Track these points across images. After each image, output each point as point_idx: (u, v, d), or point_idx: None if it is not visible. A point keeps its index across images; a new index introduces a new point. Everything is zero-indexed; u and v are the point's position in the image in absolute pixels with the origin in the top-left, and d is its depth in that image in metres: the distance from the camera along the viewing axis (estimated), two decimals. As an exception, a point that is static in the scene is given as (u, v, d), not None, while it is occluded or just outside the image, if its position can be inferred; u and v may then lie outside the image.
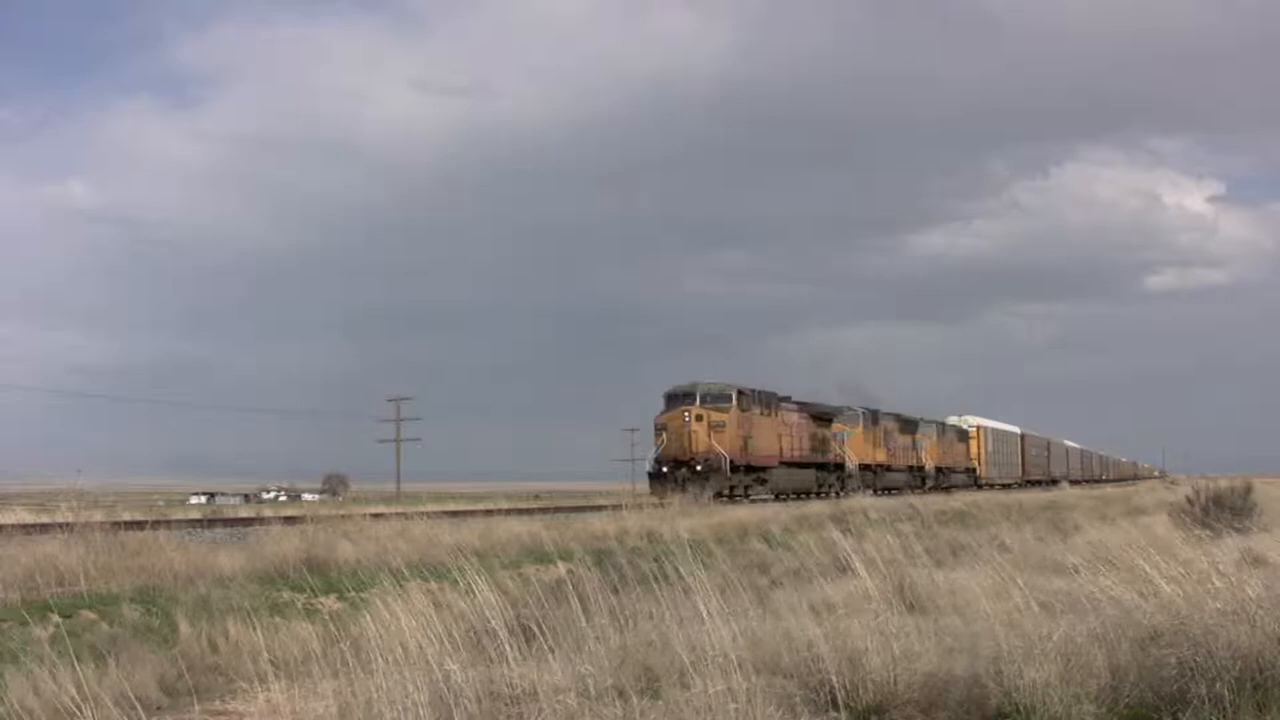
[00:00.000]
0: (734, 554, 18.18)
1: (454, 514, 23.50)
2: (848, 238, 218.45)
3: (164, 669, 9.20)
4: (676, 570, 9.16)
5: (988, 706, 7.18)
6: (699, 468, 34.76)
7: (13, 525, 17.55)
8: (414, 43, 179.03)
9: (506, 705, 6.45)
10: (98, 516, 15.77)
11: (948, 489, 57.42)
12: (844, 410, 49.30)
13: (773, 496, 39.05)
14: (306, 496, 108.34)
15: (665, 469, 35.40)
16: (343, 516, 17.44)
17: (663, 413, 36.97)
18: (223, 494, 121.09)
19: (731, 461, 35.75)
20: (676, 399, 36.77)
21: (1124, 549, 10.60)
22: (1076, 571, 10.50)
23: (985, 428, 74.56)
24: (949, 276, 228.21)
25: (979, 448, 71.36)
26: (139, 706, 6.36)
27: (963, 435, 69.29)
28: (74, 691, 6.57)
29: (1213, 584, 8.04)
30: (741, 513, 27.38)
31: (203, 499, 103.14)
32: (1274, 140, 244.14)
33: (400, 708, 6.14)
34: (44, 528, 15.66)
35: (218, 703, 8.71)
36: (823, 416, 46.63)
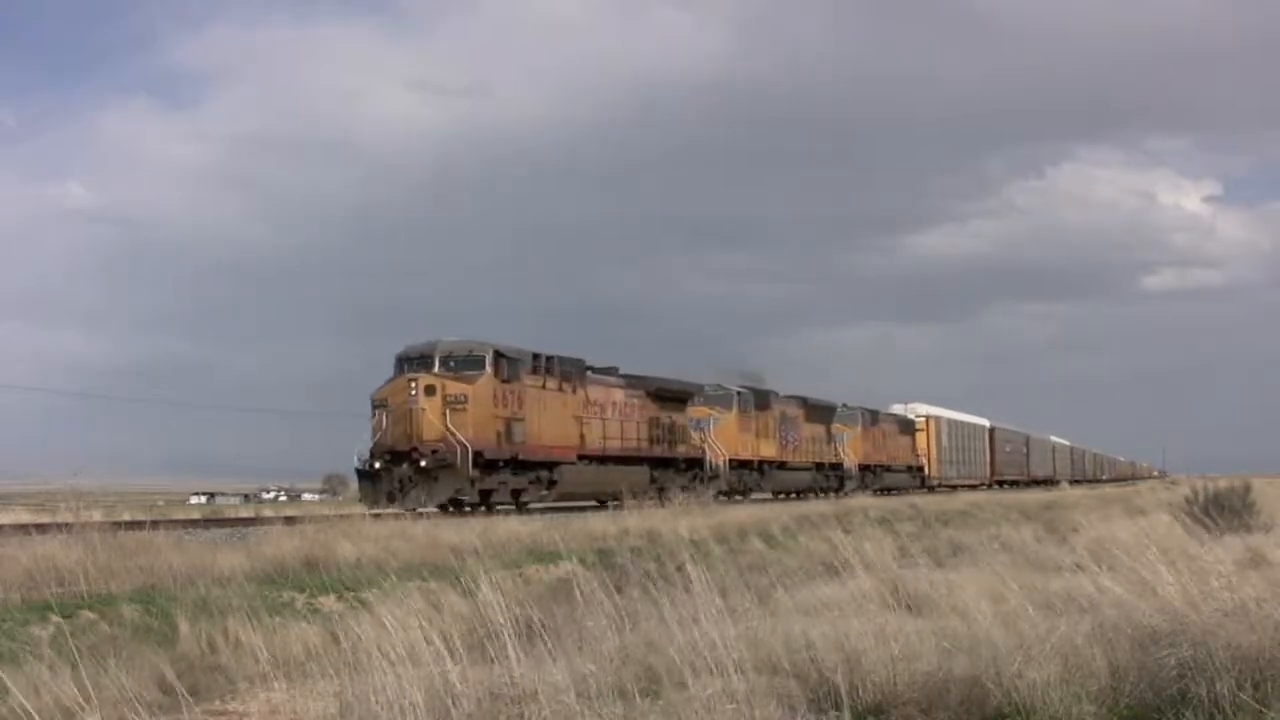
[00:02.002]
0: (734, 554, 18.19)
1: (453, 513, 23.47)
2: (846, 238, 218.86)
3: (163, 669, 9.18)
4: (676, 570, 9.17)
5: (987, 706, 7.18)
6: (424, 463, 24.17)
7: (12, 525, 17.54)
8: (411, 43, 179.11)
9: (506, 705, 6.44)
10: (97, 516, 15.77)
11: (883, 490, 49.31)
12: (709, 390, 37.66)
13: (567, 503, 28.58)
14: (307, 496, 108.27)
15: (379, 464, 24.55)
16: (342, 516, 17.43)
17: (383, 385, 25.78)
18: (223, 494, 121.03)
19: (480, 454, 24.75)
20: (406, 364, 25.87)
21: (1124, 549, 10.60)
22: (1076, 571, 10.51)
23: (937, 418, 63.83)
24: (947, 276, 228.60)
25: (928, 441, 60.87)
26: (138, 707, 6.35)
27: (906, 426, 58.58)
28: (74, 692, 6.57)
29: (1212, 584, 8.04)
30: (741, 513, 27.37)
31: (203, 499, 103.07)
32: (1272, 140, 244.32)
33: (399, 708, 6.14)
34: (43, 527, 15.65)
35: (218, 703, 8.71)
36: (672, 396, 34.54)
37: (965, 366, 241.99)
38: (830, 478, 46.56)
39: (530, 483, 27.21)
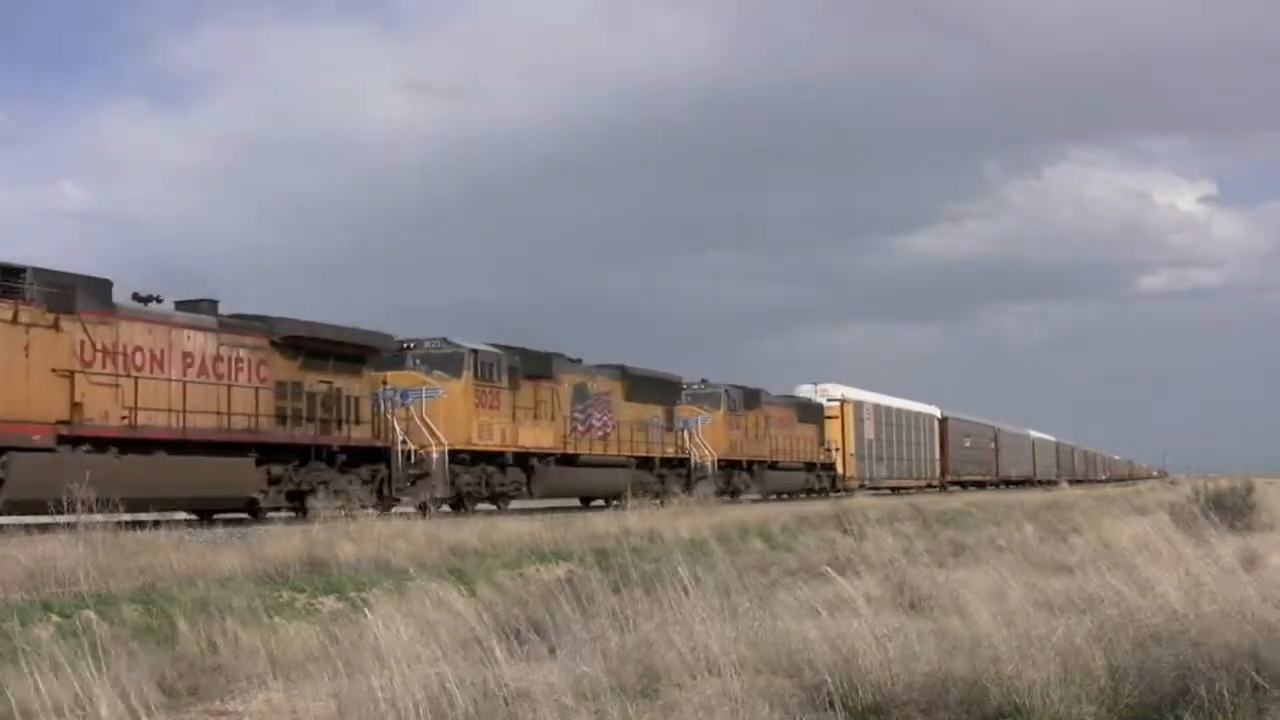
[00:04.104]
0: (734, 554, 18.20)
1: (455, 513, 23.50)
2: (844, 238, 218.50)
3: (163, 669, 9.20)
4: (676, 570, 9.17)
5: (987, 707, 7.18)
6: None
7: (13, 525, 17.53)
8: (402, 44, 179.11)
9: (505, 705, 6.45)
10: (97, 516, 15.74)
11: (785, 496, 40.28)
12: (435, 350, 26.41)
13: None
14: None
15: None
16: (344, 516, 17.42)
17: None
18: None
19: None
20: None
21: (1124, 549, 10.61)
22: (1076, 571, 10.52)
23: (858, 403, 51.73)
24: (946, 277, 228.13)
25: (842, 432, 48.99)
26: (138, 707, 6.36)
27: (809, 412, 46.02)
28: (73, 692, 6.58)
29: (1212, 584, 8.05)
30: (741, 512, 27.37)
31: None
32: (1267, 141, 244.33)
33: (398, 708, 6.14)
34: (44, 527, 15.65)
35: (217, 703, 8.71)
36: (345, 354, 22.76)
37: (964, 366, 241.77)
38: (663, 477, 33.82)
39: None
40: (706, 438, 36.87)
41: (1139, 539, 12.77)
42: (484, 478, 26.62)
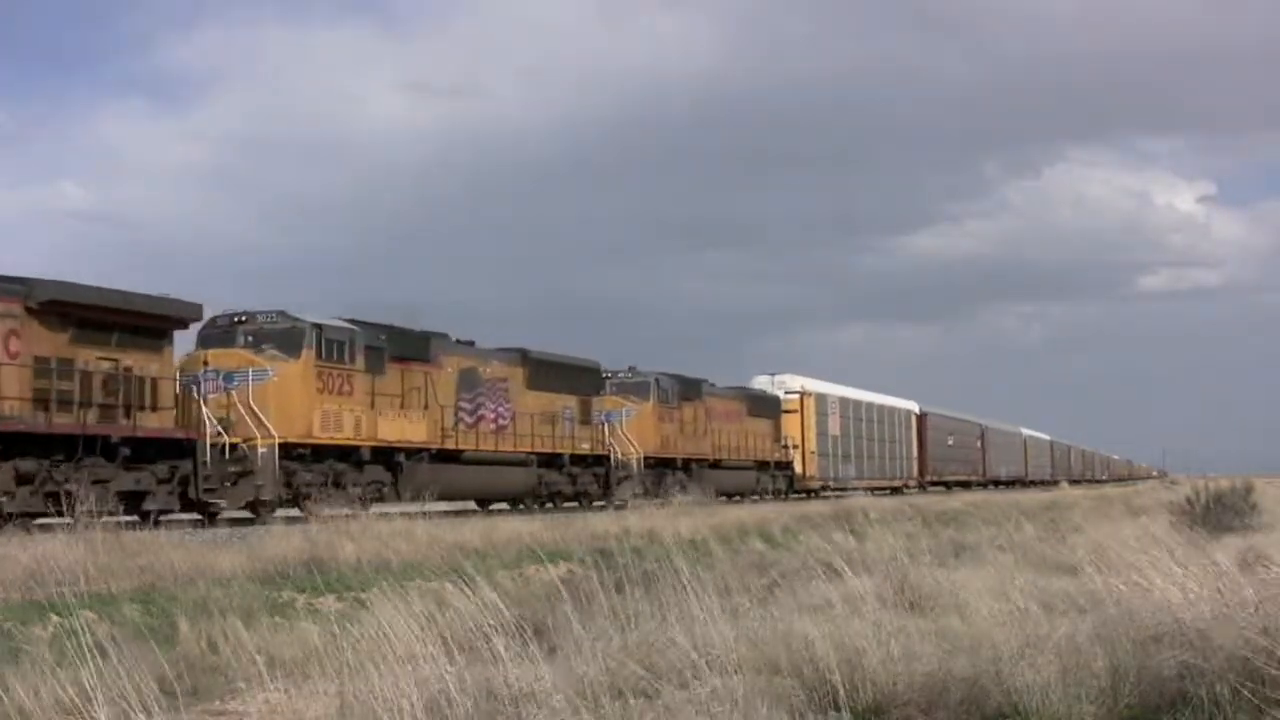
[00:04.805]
0: (735, 554, 18.21)
1: (457, 513, 23.48)
2: (844, 238, 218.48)
3: (163, 669, 9.19)
4: (677, 570, 9.17)
5: (987, 707, 7.18)
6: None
7: (12, 525, 17.53)
8: (402, 44, 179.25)
9: (505, 706, 6.45)
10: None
11: (738, 497, 36.34)
12: (269, 324, 22.03)
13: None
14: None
15: None
16: (346, 515, 17.44)
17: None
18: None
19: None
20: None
21: (1124, 549, 10.62)
22: (1076, 571, 10.52)
23: (821, 395, 46.90)
24: (945, 277, 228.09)
25: (801, 427, 44.10)
26: (138, 707, 6.36)
27: (763, 406, 41.66)
28: (73, 692, 6.58)
29: (1212, 584, 8.05)
30: (742, 512, 27.38)
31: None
32: (1266, 141, 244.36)
33: (398, 708, 6.14)
34: (45, 527, 15.66)
35: (218, 703, 8.71)
36: (136, 326, 19.01)
37: (964, 366, 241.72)
38: (572, 476, 29.92)
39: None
40: (632, 432, 32.57)
41: (1139, 539, 12.78)
42: (331, 477, 22.05)
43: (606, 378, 33.18)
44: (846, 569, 10.99)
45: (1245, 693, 6.74)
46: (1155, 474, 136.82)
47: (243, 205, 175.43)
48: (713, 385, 38.53)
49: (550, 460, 29.15)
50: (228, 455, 20.17)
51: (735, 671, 7.15)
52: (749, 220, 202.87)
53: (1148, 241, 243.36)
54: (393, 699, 6.23)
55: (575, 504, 29.54)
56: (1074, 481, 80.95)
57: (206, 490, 19.65)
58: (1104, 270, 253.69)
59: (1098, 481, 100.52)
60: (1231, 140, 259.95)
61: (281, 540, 15.14)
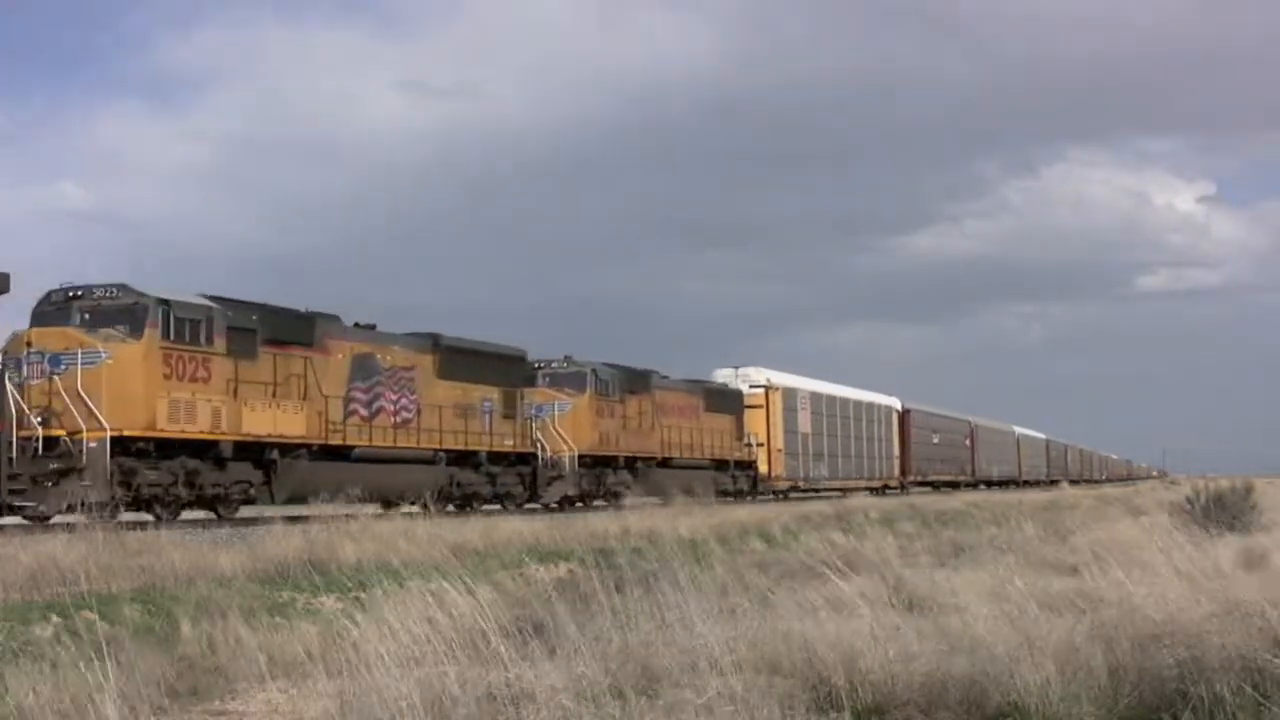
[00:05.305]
0: (734, 554, 18.22)
1: (457, 513, 23.46)
2: (843, 238, 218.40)
3: (164, 669, 9.20)
4: (677, 570, 9.18)
5: (987, 706, 7.19)
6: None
7: (14, 525, 17.54)
8: (401, 44, 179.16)
9: (505, 706, 6.45)
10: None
11: (693, 500, 28.13)
12: (108, 301, 19.69)
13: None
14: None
15: None
16: (346, 516, 17.43)
17: None
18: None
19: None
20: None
21: (1124, 549, 10.63)
22: (1076, 571, 10.53)
23: (788, 390, 43.56)
24: (944, 277, 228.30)
25: (767, 423, 41.08)
26: (139, 707, 6.37)
27: (723, 400, 38.42)
28: (74, 692, 6.59)
29: (1212, 584, 8.06)
30: (742, 512, 27.39)
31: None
32: (1268, 140, 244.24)
33: (398, 708, 6.15)
34: (46, 527, 15.67)
35: (218, 703, 8.72)
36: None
37: (963, 366, 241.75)
38: (501, 475, 27.30)
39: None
40: (565, 428, 29.58)
41: (1139, 539, 12.79)
42: (182, 476, 19.59)
43: (539, 368, 30.59)
44: (845, 569, 11.00)
45: (1245, 692, 6.74)
46: (1155, 474, 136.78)
47: (242, 205, 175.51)
48: (665, 377, 35.64)
49: (464, 458, 26.26)
50: (41, 451, 17.73)
51: (735, 672, 7.15)
52: (749, 220, 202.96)
53: (1147, 242, 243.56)
54: (393, 699, 6.24)
55: (498, 506, 26.96)
56: (1073, 482, 79.24)
57: (13, 492, 17.25)
58: (1103, 270, 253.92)
59: (1096, 482, 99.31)
60: (1231, 140, 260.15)
61: (282, 540, 15.15)
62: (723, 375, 42.07)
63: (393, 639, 7.44)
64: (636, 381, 33.27)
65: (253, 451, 20.88)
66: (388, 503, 23.71)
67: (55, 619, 10.15)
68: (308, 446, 21.89)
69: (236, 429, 20.33)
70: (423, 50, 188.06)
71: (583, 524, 20.85)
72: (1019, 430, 79.02)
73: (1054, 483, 71.51)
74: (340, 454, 22.68)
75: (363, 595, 12.22)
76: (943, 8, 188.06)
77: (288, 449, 21.46)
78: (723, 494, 34.62)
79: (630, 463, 32.27)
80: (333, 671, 7.55)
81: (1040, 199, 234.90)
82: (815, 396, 46.51)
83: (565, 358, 31.56)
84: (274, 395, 21.21)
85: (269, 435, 20.98)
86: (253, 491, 21.03)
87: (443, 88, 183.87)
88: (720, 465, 37.51)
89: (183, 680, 9.15)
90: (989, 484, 64.24)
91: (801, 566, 13.93)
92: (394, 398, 24.32)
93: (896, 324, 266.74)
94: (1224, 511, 20.55)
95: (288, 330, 21.99)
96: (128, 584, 12.05)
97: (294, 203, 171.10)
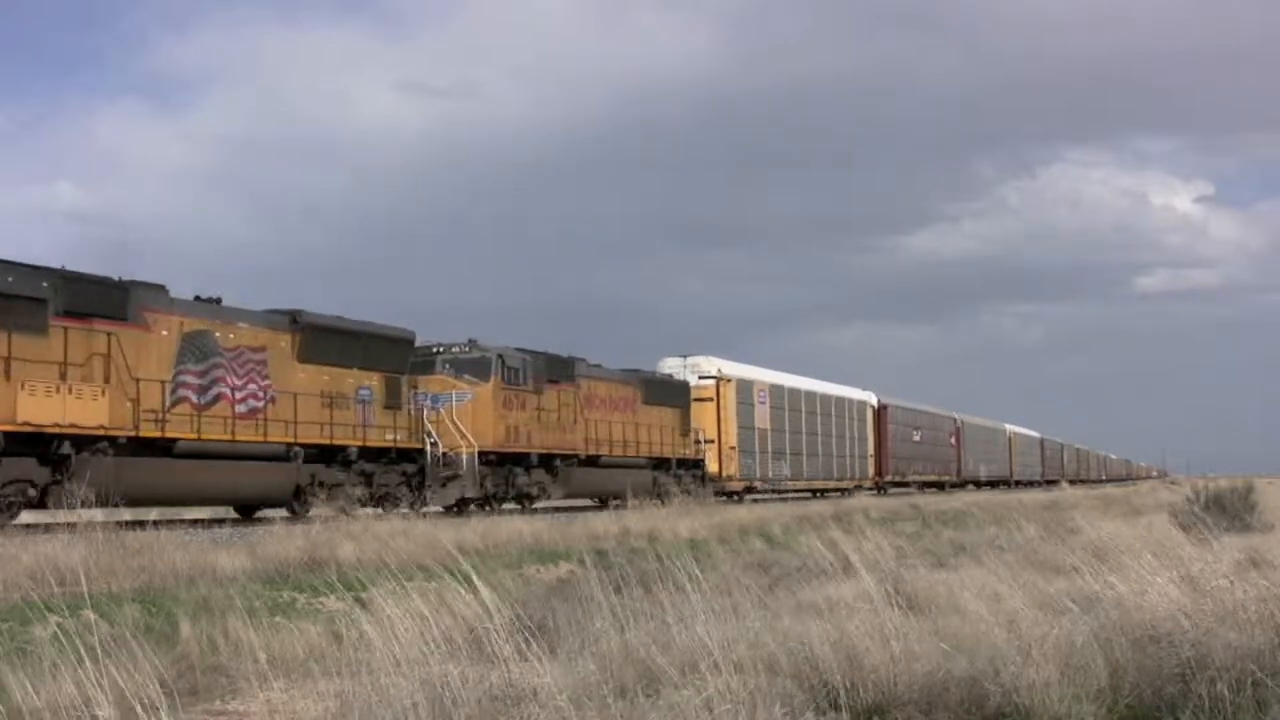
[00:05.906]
0: (734, 554, 18.22)
1: (457, 513, 23.47)
2: (842, 238, 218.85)
3: (164, 669, 9.20)
4: (677, 570, 9.18)
5: (987, 707, 7.18)
6: None
7: (14, 524, 17.54)
8: (399, 44, 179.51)
9: (506, 706, 6.45)
10: (99, 516, 15.60)
11: (599, 502, 29.92)
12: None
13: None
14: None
15: None
16: (346, 516, 17.45)
17: None
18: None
19: None
20: None
21: (1124, 549, 10.62)
22: (1076, 571, 10.51)
23: (743, 381, 39.69)
24: (943, 277, 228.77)
25: (718, 418, 37.47)
26: (139, 706, 6.36)
27: (668, 393, 34.89)
28: (74, 692, 6.59)
29: (1212, 584, 8.05)
30: (742, 512, 27.42)
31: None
32: (1266, 141, 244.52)
33: (399, 708, 6.15)
34: (46, 527, 15.66)
35: (218, 703, 8.73)
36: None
37: (963, 366, 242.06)
38: (380, 474, 23.63)
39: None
40: (465, 421, 25.94)
41: (1139, 539, 12.78)
42: None
43: (438, 353, 27.05)
44: (846, 569, 11.00)
45: (1246, 692, 6.75)
46: (1155, 474, 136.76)
47: (240, 205, 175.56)
48: (595, 366, 31.75)
49: (328, 454, 22.44)
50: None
51: (735, 672, 7.15)
52: (749, 220, 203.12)
53: (1145, 242, 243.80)
54: (394, 699, 6.24)
55: (378, 509, 22.31)
56: (1071, 482, 77.32)
57: None
58: (1101, 270, 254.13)
59: (1096, 481, 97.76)
60: (1229, 141, 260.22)
61: (282, 540, 15.16)
62: (669, 365, 37.97)
63: (392, 639, 7.44)
64: (557, 369, 29.41)
65: (38, 446, 17.50)
66: (248, 509, 21.75)
67: (55, 619, 10.15)
68: (112, 439, 18.33)
69: (10, 418, 16.87)
70: (421, 50, 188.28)
71: (582, 524, 20.87)
72: (1010, 428, 75.05)
73: (1052, 483, 69.88)
74: (161, 448, 19.29)
75: (363, 595, 12.23)
76: (942, 8, 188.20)
77: (90, 443, 18.00)
78: (665, 496, 29.74)
79: (547, 461, 28.71)
80: (333, 671, 7.56)
81: (1039, 199, 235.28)
82: (776, 389, 42.37)
83: (469, 341, 27.75)
84: (64, 378, 17.73)
85: (55, 425, 17.41)
86: (33, 493, 17.65)
87: (442, 88, 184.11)
88: (661, 464, 33.63)
89: (183, 680, 9.14)
90: (977, 484, 61.03)
91: (801, 566, 13.94)
92: (238, 383, 20.69)
93: (895, 324, 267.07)
94: (1224, 511, 20.56)
95: (91, 301, 18.43)
96: (128, 584, 12.05)
97: (292, 203, 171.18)
